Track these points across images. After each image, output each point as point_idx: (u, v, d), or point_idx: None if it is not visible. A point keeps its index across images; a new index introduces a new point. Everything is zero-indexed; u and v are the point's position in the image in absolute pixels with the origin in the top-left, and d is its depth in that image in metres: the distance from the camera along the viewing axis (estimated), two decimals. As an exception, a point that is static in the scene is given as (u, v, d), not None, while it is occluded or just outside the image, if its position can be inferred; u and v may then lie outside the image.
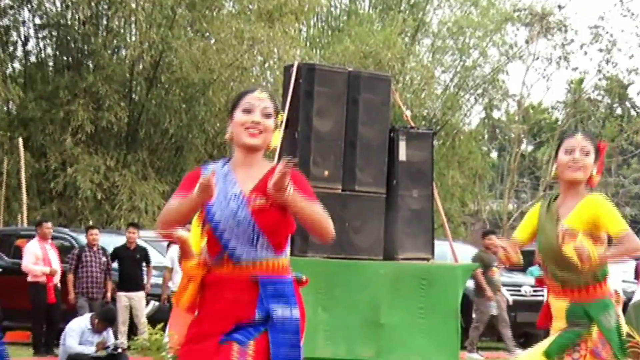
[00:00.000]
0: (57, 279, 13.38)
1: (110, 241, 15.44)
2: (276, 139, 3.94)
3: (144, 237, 14.57)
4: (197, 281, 3.85)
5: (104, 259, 13.63)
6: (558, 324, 4.52)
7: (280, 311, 3.76)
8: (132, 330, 13.39)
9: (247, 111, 3.85)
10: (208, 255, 3.85)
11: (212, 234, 3.81)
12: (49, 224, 13.89)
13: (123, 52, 23.17)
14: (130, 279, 13.74)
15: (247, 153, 3.87)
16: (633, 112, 36.94)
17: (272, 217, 3.79)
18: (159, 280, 13.85)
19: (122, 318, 13.43)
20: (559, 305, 4.51)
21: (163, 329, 9.30)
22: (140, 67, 22.79)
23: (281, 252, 3.84)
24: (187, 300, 3.86)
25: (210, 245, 3.84)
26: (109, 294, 13.59)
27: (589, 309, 4.45)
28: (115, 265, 13.93)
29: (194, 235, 4.09)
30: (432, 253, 10.59)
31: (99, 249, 13.69)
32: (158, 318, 11.05)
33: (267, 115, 3.86)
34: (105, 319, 11.45)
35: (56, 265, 13.44)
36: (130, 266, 13.78)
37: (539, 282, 4.51)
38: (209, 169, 3.80)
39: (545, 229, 4.51)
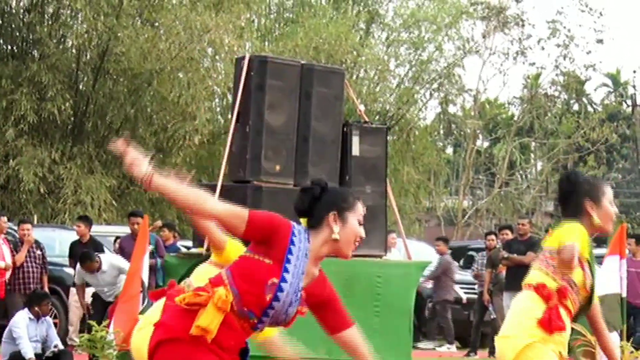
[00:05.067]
0: (8, 275, 12.87)
1: (55, 236, 15.21)
2: None
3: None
4: (223, 314, 3.79)
5: (38, 252, 13.11)
6: (565, 335, 4.65)
7: None
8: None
9: (360, 224, 3.92)
10: (240, 301, 3.80)
11: (265, 303, 3.80)
12: (4, 218, 13.28)
13: (69, 41, 22.70)
14: None
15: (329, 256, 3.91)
16: (590, 109, 37.02)
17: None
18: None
19: (74, 315, 13.15)
20: (568, 323, 4.65)
21: (108, 326, 9.17)
22: (87, 56, 22.34)
23: None
24: (210, 326, 3.77)
25: (251, 301, 3.80)
26: (45, 288, 13.02)
27: None
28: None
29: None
30: (386, 250, 10.55)
31: (32, 242, 13.12)
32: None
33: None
34: (36, 298, 11.36)
35: (9, 260, 12.84)
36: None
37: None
38: (297, 236, 3.82)
39: (592, 270, 4.64)
